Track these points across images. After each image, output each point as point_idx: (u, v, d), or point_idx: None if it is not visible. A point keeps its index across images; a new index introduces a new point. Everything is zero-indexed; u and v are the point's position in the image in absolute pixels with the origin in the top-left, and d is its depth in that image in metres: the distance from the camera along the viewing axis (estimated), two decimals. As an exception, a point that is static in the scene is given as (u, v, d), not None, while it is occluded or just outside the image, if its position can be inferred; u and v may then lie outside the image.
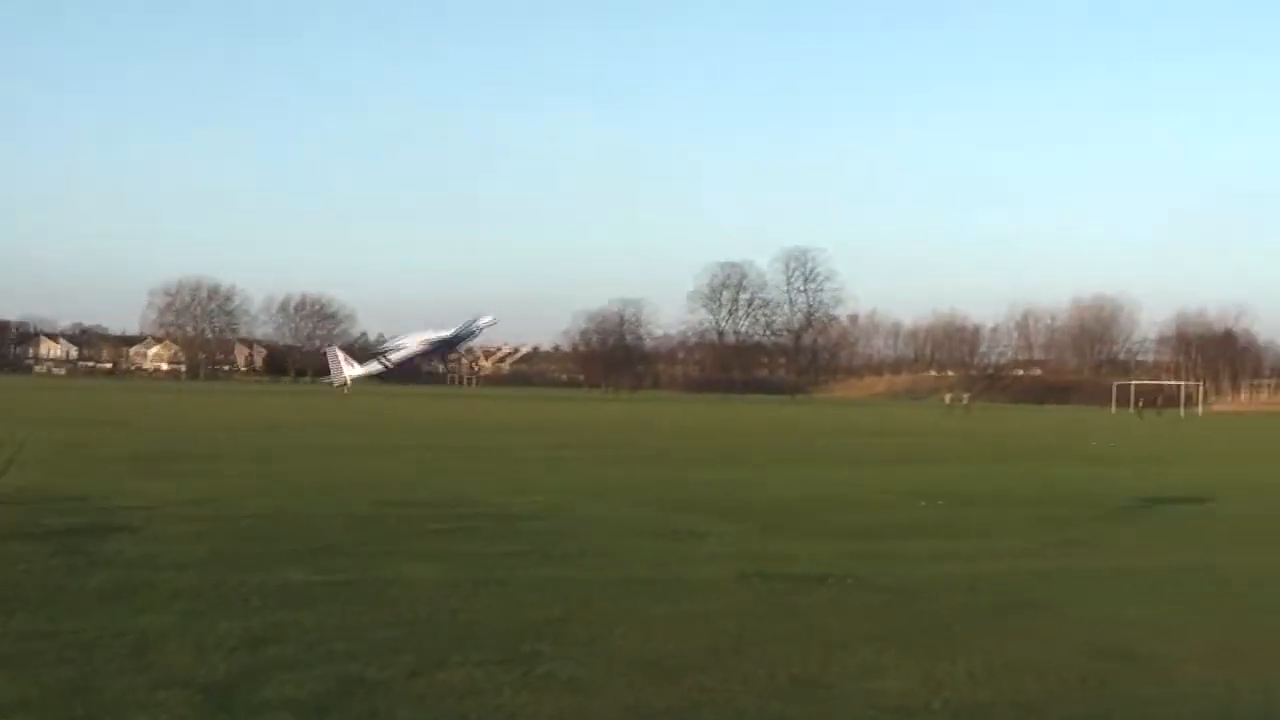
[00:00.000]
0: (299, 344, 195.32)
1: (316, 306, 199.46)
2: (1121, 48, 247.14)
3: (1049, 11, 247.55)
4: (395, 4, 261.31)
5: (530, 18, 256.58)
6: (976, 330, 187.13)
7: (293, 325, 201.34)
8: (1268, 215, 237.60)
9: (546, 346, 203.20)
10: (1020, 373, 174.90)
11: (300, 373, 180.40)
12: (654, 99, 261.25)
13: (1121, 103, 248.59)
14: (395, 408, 77.40)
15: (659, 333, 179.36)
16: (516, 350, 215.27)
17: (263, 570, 12.79)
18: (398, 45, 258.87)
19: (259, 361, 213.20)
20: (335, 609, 10.93)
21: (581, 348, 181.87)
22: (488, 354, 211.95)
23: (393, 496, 20.80)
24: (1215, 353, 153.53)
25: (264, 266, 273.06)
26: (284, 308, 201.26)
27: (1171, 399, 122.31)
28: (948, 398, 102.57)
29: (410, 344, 27.91)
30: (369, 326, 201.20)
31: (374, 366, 27.66)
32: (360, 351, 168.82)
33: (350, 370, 26.94)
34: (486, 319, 26.83)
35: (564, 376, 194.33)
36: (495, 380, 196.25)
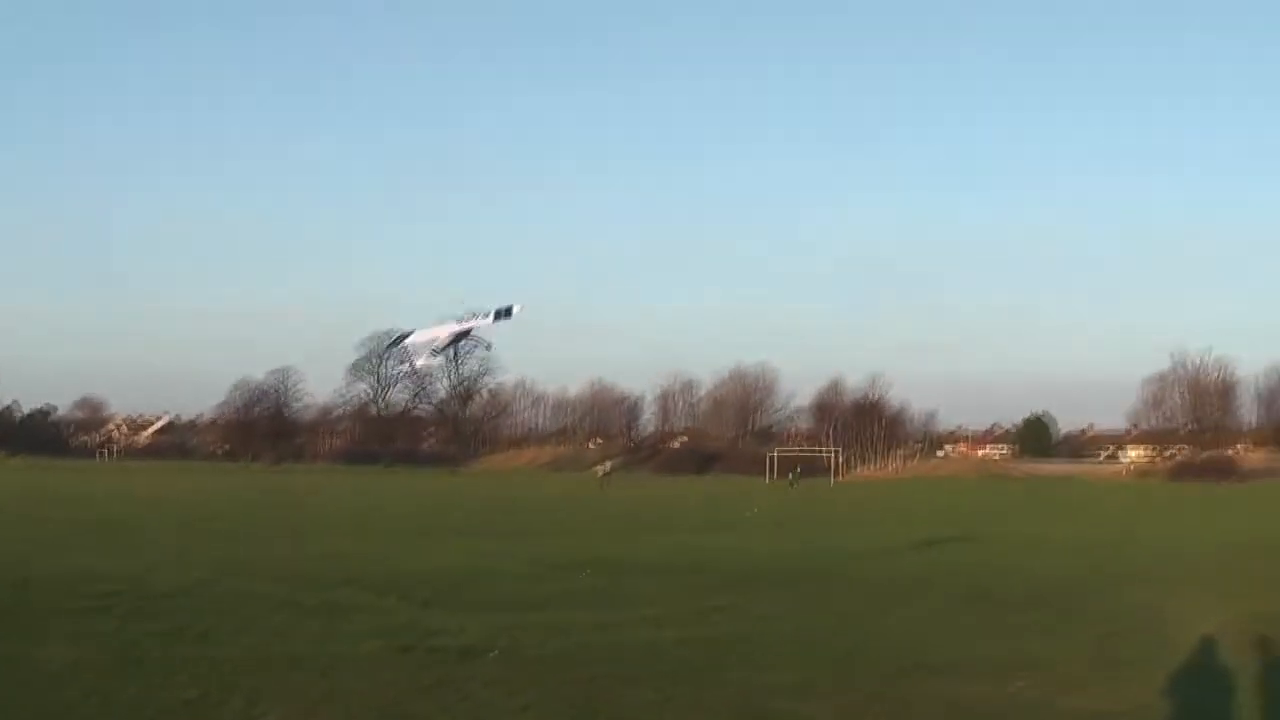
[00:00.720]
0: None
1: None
2: (753, 117, 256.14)
3: (693, 81, 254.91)
4: None
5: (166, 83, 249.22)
6: (631, 400, 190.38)
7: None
8: (905, 285, 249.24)
9: (208, 417, 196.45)
10: (676, 443, 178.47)
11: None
12: (301, 164, 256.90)
13: (758, 179, 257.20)
14: (29, 482, 73.58)
15: (317, 402, 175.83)
16: (168, 420, 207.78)
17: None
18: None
19: None
20: (-38, 695, 10.35)
21: (232, 418, 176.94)
22: (134, 425, 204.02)
23: (26, 574, 19.77)
24: (855, 421, 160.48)
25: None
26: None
27: (818, 467, 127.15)
28: (599, 469, 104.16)
29: (441, 333, 25.00)
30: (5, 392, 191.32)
31: (435, 360, 24.71)
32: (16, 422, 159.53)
33: (420, 359, 23.58)
34: (516, 307, 24.47)
35: (219, 449, 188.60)
36: (143, 452, 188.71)
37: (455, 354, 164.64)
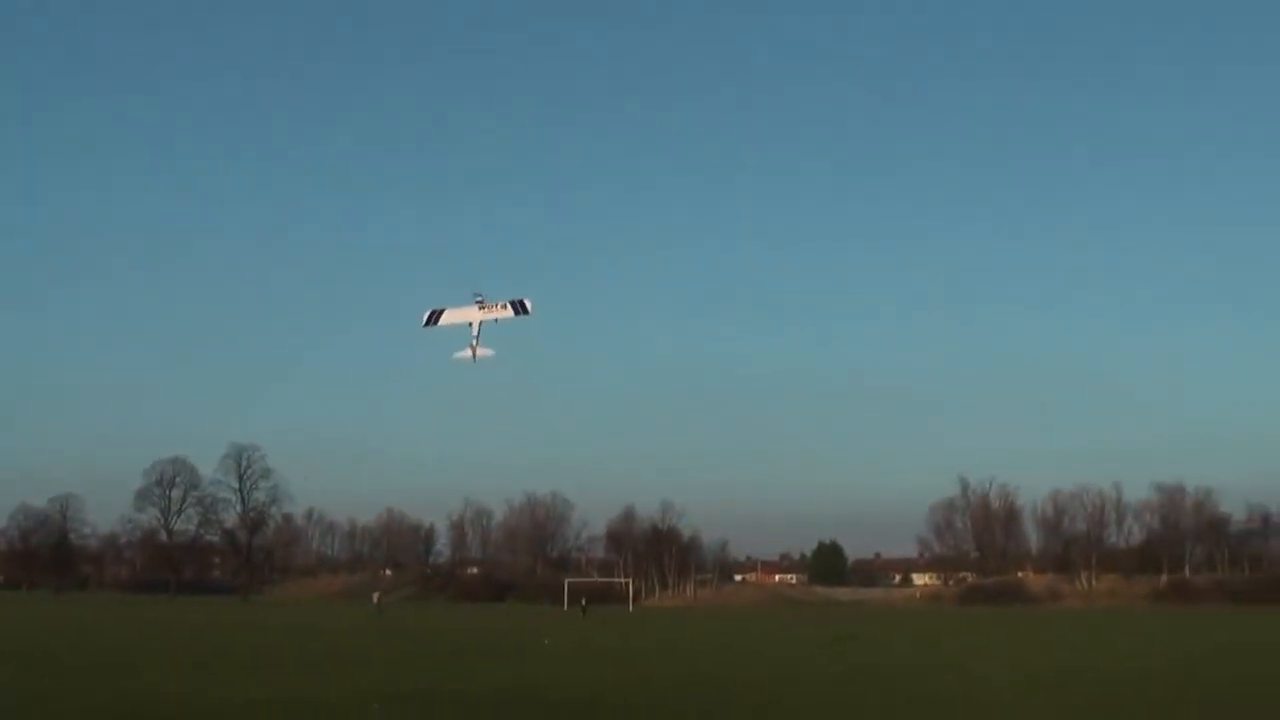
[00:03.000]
0: None
1: None
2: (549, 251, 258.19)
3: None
4: None
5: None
6: (425, 528, 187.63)
7: None
8: (695, 417, 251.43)
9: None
10: (472, 570, 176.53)
11: None
12: (85, 301, 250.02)
13: (549, 308, 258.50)
14: None
15: (103, 530, 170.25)
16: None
17: None
18: None
19: None
20: None
21: (10, 547, 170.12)
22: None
23: None
24: (649, 549, 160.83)
25: None
26: None
27: (613, 595, 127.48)
28: (375, 597, 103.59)
29: (470, 317, 22.87)
30: None
31: (488, 352, 23.05)
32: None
33: (467, 353, 21.02)
34: (528, 302, 22.38)
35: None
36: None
37: (241, 481, 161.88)
